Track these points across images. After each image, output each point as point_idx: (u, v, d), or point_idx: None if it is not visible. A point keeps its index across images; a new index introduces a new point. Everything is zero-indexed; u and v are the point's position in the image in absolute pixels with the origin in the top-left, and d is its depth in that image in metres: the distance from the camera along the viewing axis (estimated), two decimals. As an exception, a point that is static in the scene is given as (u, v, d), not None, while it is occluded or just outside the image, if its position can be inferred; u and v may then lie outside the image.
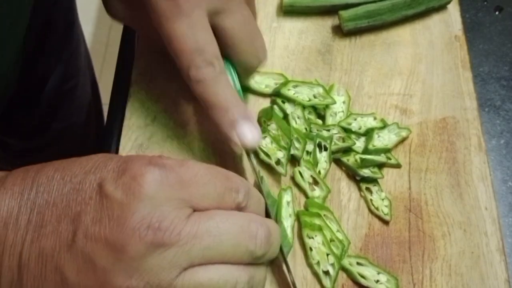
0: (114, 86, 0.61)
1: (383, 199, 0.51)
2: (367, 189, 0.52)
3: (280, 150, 0.52)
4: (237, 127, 0.44)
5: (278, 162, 0.51)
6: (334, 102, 0.56)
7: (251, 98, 0.58)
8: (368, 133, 0.55)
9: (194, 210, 0.36)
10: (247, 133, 0.44)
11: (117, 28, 0.66)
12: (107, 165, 0.36)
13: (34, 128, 0.80)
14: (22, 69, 0.65)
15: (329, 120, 0.56)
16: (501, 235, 0.50)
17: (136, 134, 0.55)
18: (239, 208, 0.38)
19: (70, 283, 0.34)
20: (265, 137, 0.52)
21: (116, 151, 0.54)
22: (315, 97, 0.56)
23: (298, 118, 0.55)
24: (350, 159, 0.53)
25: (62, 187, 0.35)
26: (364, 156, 0.52)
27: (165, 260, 0.34)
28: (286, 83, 0.57)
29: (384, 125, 0.55)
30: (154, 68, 0.59)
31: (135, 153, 0.53)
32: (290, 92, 0.56)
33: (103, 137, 0.58)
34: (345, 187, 0.53)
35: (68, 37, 0.76)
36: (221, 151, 0.54)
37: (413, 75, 0.60)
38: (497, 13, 0.67)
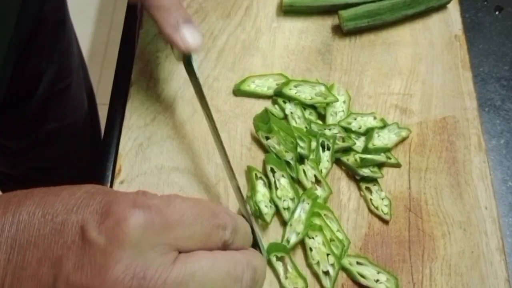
0: (114, 86, 0.61)
1: (383, 199, 0.51)
2: (367, 188, 0.52)
3: (287, 152, 0.52)
4: (179, 30, 0.48)
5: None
6: (337, 100, 0.56)
7: (252, 100, 0.58)
8: (368, 133, 0.55)
9: (180, 251, 0.35)
10: (188, 35, 0.48)
11: (117, 28, 0.67)
12: (89, 204, 0.35)
13: (25, 127, 0.79)
14: (14, 68, 0.64)
15: (330, 120, 0.56)
16: (501, 235, 0.50)
17: (136, 134, 0.55)
18: (226, 245, 0.37)
19: None
20: (269, 138, 0.52)
21: (116, 151, 0.54)
22: (317, 95, 0.56)
23: (298, 117, 0.55)
24: (350, 159, 0.53)
25: (43, 226, 0.34)
26: (364, 156, 0.52)
27: None
28: (287, 82, 0.57)
29: (384, 125, 0.55)
30: (154, 68, 0.59)
31: (135, 153, 0.54)
32: (291, 91, 0.56)
33: (103, 137, 0.58)
34: (345, 187, 0.53)
35: (58, 35, 0.76)
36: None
37: (413, 75, 0.60)
38: (497, 13, 0.67)
